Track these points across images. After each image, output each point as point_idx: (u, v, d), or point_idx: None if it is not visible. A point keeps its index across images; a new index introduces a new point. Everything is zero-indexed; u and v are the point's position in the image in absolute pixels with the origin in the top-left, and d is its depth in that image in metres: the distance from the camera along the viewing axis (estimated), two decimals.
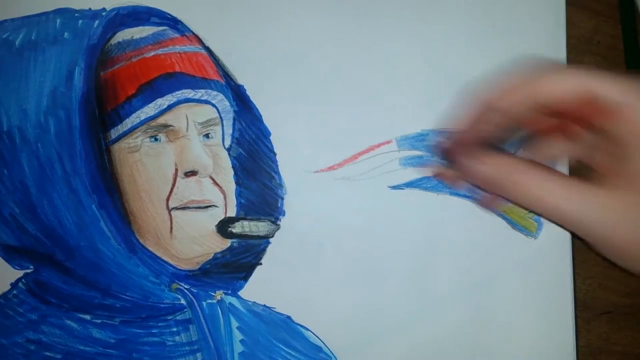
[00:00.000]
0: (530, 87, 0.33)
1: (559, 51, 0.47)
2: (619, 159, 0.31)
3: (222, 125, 0.45)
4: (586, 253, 0.48)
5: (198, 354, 0.44)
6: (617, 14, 0.49)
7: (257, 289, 0.45)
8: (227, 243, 0.45)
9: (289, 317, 0.45)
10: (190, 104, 0.44)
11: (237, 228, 0.45)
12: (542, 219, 0.46)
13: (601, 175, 0.33)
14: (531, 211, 0.40)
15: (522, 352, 0.46)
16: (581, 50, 0.48)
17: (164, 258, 0.44)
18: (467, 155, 0.35)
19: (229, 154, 0.45)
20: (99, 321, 0.44)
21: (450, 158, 0.36)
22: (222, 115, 0.45)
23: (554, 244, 0.46)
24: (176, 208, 0.44)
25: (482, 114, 0.35)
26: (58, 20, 0.44)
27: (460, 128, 0.36)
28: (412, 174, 0.46)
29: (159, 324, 0.44)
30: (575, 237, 0.46)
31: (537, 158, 0.38)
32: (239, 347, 0.45)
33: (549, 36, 0.47)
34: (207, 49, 0.45)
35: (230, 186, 0.45)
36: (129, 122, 0.43)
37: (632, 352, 0.49)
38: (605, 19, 0.49)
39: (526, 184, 0.33)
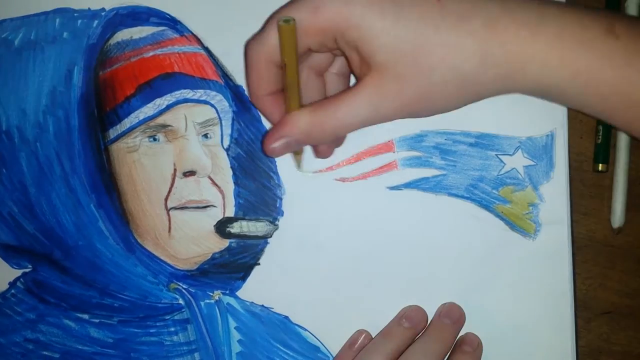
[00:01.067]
0: (257, 66, 0.38)
1: None
2: (361, 57, 0.37)
3: (221, 126, 0.45)
4: (586, 253, 0.48)
5: (196, 354, 0.44)
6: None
7: (255, 289, 0.45)
8: (226, 243, 0.45)
9: (286, 318, 0.45)
10: (189, 104, 0.44)
11: (235, 228, 0.45)
12: (540, 220, 0.45)
13: (358, 79, 0.38)
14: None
15: (522, 353, 0.46)
16: None
17: (162, 258, 0.44)
18: (266, 139, 0.39)
19: (227, 154, 0.45)
20: (97, 320, 0.44)
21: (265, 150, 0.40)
22: (220, 115, 0.45)
23: (553, 244, 0.46)
24: (175, 208, 0.44)
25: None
26: (57, 20, 0.44)
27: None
28: (411, 174, 0.46)
29: (157, 324, 0.44)
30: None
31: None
32: (236, 347, 0.45)
33: None
34: (206, 49, 0.45)
35: (229, 186, 0.45)
36: (127, 122, 0.43)
37: (632, 352, 0.49)
38: None
39: (317, 130, 0.38)
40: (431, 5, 0.35)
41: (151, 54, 0.44)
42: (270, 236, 0.45)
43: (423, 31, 0.35)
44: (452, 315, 0.44)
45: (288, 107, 0.39)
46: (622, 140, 0.47)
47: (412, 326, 0.44)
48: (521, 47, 0.35)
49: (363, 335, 0.44)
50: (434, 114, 0.39)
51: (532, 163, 0.46)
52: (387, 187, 0.45)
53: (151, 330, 0.44)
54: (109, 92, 0.43)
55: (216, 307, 0.45)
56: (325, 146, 0.43)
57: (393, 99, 0.36)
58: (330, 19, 0.36)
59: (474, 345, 0.44)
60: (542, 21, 0.35)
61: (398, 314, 0.45)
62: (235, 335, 0.45)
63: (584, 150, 0.48)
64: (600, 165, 0.47)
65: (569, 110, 0.46)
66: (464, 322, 0.44)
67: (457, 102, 0.38)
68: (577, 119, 0.48)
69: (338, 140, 0.44)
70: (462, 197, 0.45)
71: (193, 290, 0.45)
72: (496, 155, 0.46)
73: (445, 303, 0.45)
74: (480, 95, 0.38)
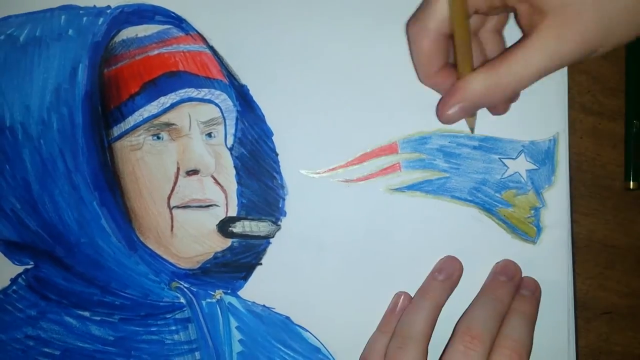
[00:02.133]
0: (427, 41, 0.39)
1: (562, 71, 0.47)
2: (533, 6, 0.37)
3: (225, 125, 0.45)
4: (586, 254, 0.48)
5: (196, 353, 0.44)
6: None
7: (257, 289, 0.45)
8: (228, 242, 0.45)
9: (288, 318, 0.45)
10: (193, 103, 0.44)
11: (237, 228, 0.45)
12: (541, 224, 0.46)
13: (528, 31, 0.38)
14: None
15: None
16: None
17: (164, 256, 0.44)
18: (441, 106, 0.41)
19: (231, 154, 0.45)
20: (98, 318, 0.44)
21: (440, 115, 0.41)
22: (224, 114, 0.45)
23: (553, 248, 0.46)
24: (177, 207, 0.44)
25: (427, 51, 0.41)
26: (63, 17, 0.44)
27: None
28: (414, 177, 0.46)
29: (158, 322, 0.44)
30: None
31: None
32: (237, 347, 0.45)
33: None
34: (211, 48, 0.45)
35: (232, 186, 0.45)
36: (131, 120, 0.43)
37: (632, 352, 0.49)
38: None
39: (499, 89, 0.39)
40: None
41: (156, 52, 0.44)
42: (273, 236, 0.45)
43: None
44: (508, 272, 0.44)
45: (461, 73, 0.40)
46: None
47: (447, 277, 0.44)
48: None
49: (402, 297, 0.44)
50: (610, 48, 0.38)
51: (535, 167, 0.46)
52: (390, 189, 0.45)
53: (152, 329, 0.44)
54: (113, 90, 0.43)
55: (217, 307, 0.45)
56: (501, 104, 0.43)
57: (574, 38, 0.36)
58: None
59: (532, 288, 0.44)
60: None
61: (433, 268, 0.45)
62: (236, 335, 0.45)
63: (583, 151, 0.48)
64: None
65: (570, 111, 0.46)
66: (521, 276, 0.44)
67: (628, 33, 0.38)
68: (578, 119, 0.48)
69: (515, 97, 0.43)
70: (464, 199, 0.45)
71: (194, 289, 0.45)
72: (499, 158, 0.46)
73: (500, 261, 0.45)
74: None
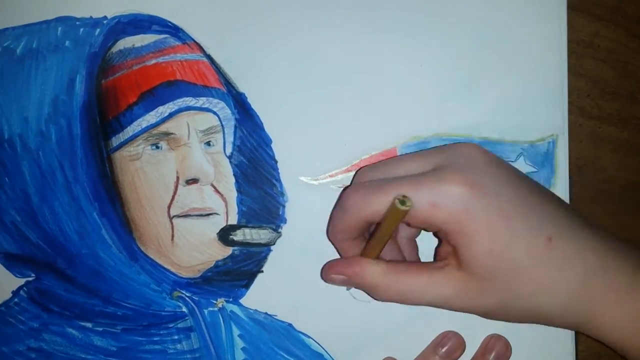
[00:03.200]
0: (356, 215, 0.39)
1: (560, 55, 0.47)
2: (455, 253, 0.38)
3: (224, 133, 0.45)
4: None
5: None
6: (617, 18, 0.49)
7: (259, 296, 0.45)
8: (229, 251, 0.45)
9: (290, 325, 0.45)
10: (192, 111, 0.44)
11: (238, 236, 0.45)
12: None
13: (443, 258, 0.39)
14: None
15: (522, 356, 0.46)
16: (581, 54, 0.48)
17: (166, 266, 0.44)
18: (326, 266, 0.42)
19: (230, 162, 0.45)
20: (101, 329, 0.44)
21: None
22: (223, 123, 0.45)
23: None
24: (177, 216, 0.44)
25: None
26: (59, 29, 0.44)
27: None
28: None
29: (161, 332, 0.44)
30: None
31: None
32: (240, 355, 0.45)
33: (549, 41, 0.47)
34: (209, 56, 0.45)
35: (232, 194, 0.45)
36: (130, 130, 0.43)
37: None
38: (606, 23, 0.49)
39: (374, 287, 0.40)
40: (541, 240, 0.37)
41: (153, 62, 0.44)
42: (274, 244, 0.45)
43: (525, 264, 0.37)
44: (498, 351, 0.45)
45: (365, 254, 0.41)
46: None
47: (448, 355, 0.44)
48: (605, 310, 0.37)
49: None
50: (497, 320, 0.40)
51: (534, 170, 0.46)
52: None
53: (155, 339, 0.44)
54: (111, 101, 0.43)
55: (220, 315, 0.45)
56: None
57: (468, 301, 0.38)
58: (445, 220, 0.37)
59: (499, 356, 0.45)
60: (631, 287, 0.37)
61: (434, 340, 0.45)
62: (239, 343, 0.45)
63: (583, 155, 0.48)
64: None
65: (569, 115, 0.46)
66: (510, 356, 0.45)
67: (525, 321, 0.40)
68: (577, 122, 0.48)
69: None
70: None
71: (196, 298, 0.45)
72: None
73: (492, 335, 0.45)
74: (549, 324, 0.40)
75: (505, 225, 0.36)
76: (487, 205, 0.36)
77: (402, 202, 0.36)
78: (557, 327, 0.40)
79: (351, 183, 0.44)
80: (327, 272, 0.41)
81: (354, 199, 0.39)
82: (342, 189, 0.45)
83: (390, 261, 0.41)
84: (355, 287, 0.42)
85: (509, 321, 0.40)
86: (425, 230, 0.41)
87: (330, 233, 0.42)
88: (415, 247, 0.44)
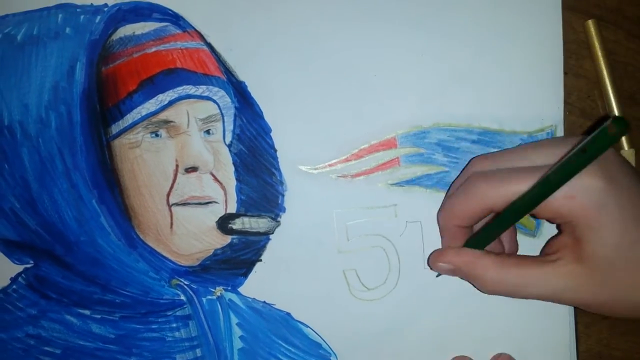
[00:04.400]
0: (482, 203, 0.39)
1: (556, 56, 0.47)
2: (568, 238, 0.38)
3: (223, 122, 0.45)
4: None
5: (197, 350, 0.44)
6: (617, 18, 0.49)
7: (257, 285, 0.45)
8: (227, 239, 0.45)
9: (288, 314, 0.45)
10: (191, 100, 0.44)
11: (237, 224, 0.45)
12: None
13: (552, 249, 0.40)
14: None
15: (522, 357, 0.46)
16: (581, 55, 0.48)
17: (164, 254, 0.44)
18: (436, 254, 0.43)
19: (229, 151, 0.45)
20: (99, 316, 0.44)
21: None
22: (223, 111, 0.45)
23: None
24: (176, 204, 0.44)
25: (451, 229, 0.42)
26: (60, 16, 0.44)
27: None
28: (413, 171, 0.46)
29: (159, 320, 0.44)
30: None
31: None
32: (238, 343, 0.45)
33: (546, 41, 0.47)
34: (209, 45, 0.45)
35: (231, 182, 0.45)
36: (129, 118, 0.43)
37: (633, 357, 0.49)
38: (606, 24, 0.49)
39: (483, 279, 0.40)
40: None
41: (153, 49, 0.44)
42: (272, 232, 0.45)
43: None
44: None
45: (472, 244, 0.41)
46: None
47: None
48: None
49: None
50: (609, 315, 0.41)
51: None
52: (389, 184, 0.45)
53: (153, 326, 0.44)
54: (111, 88, 0.43)
55: (218, 304, 0.45)
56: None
57: (582, 295, 0.38)
58: (577, 212, 0.37)
59: None
60: None
61: None
62: (237, 332, 0.45)
63: None
64: None
65: (569, 116, 0.47)
66: None
67: (631, 316, 0.40)
68: (577, 123, 0.48)
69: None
70: None
71: (195, 287, 0.45)
72: None
73: (500, 354, 0.45)
74: None
75: (634, 222, 0.36)
76: (620, 199, 0.36)
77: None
78: None
79: (463, 171, 0.44)
80: (436, 260, 0.42)
81: (484, 186, 0.39)
82: (341, 178, 0.45)
83: (500, 254, 0.41)
84: (461, 277, 0.42)
85: (613, 315, 0.40)
86: (550, 221, 0.40)
87: (445, 217, 0.42)
88: (515, 241, 0.44)
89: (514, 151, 0.41)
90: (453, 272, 0.42)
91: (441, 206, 0.44)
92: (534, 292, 0.39)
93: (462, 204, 0.40)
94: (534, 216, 0.40)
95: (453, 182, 0.44)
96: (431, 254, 0.43)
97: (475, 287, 0.41)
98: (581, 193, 0.36)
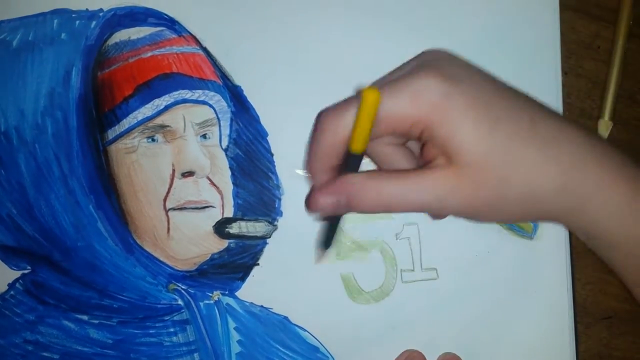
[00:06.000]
0: (333, 139, 0.37)
1: (554, 56, 0.47)
2: (441, 150, 0.36)
3: (220, 126, 0.45)
4: (586, 258, 0.48)
5: (195, 354, 0.44)
6: (617, 19, 0.49)
7: (255, 289, 0.45)
8: (225, 244, 0.45)
9: (286, 318, 0.45)
10: (188, 104, 0.44)
11: (234, 229, 0.45)
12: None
13: (427, 163, 0.37)
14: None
15: (522, 357, 0.46)
16: (581, 56, 0.48)
17: (161, 259, 0.44)
18: (316, 193, 0.38)
19: (226, 155, 0.45)
20: (97, 322, 0.44)
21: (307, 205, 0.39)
22: (219, 115, 0.45)
23: (551, 243, 0.46)
24: (173, 209, 0.44)
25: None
26: (55, 21, 0.44)
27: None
28: None
29: (157, 325, 0.44)
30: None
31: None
32: (236, 348, 0.45)
33: (544, 41, 0.47)
34: (205, 49, 0.45)
35: (228, 187, 0.45)
36: (126, 123, 0.43)
37: (632, 357, 0.49)
38: (606, 24, 0.49)
39: (360, 196, 0.37)
40: (524, 123, 0.36)
41: (149, 54, 0.44)
42: (269, 236, 0.45)
43: (512, 147, 0.35)
44: None
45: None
46: None
47: None
48: (598, 191, 0.36)
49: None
50: (490, 222, 0.39)
51: None
52: None
53: (150, 331, 0.44)
54: (107, 93, 0.43)
55: (215, 308, 0.45)
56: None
57: (462, 197, 0.36)
58: (426, 111, 0.35)
59: None
60: (625, 167, 0.36)
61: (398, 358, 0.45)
62: (235, 336, 0.45)
63: None
64: None
65: (570, 116, 0.46)
66: None
67: (518, 218, 0.39)
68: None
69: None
70: None
71: (192, 291, 0.45)
72: None
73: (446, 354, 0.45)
74: (540, 217, 0.38)
75: (486, 109, 0.35)
76: (465, 93, 0.35)
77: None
78: (548, 220, 0.38)
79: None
80: (316, 198, 0.37)
81: (330, 117, 0.37)
82: None
83: (375, 170, 0.39)
84: (345, 208, 0.38)
85: (502, 221, 0.38)
86: (408, 137, 0.38)
87: (310, 164, 0.39)
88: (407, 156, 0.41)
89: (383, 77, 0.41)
90: (335, 205, 0.37)
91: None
92: (415, 201, 0.36)
93: (317, 142, 0.38)
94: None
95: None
96: (308, 198, 0.39)
97: (356, 211, 0.38)
98: (422, 92, 0.35)
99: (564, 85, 0.47)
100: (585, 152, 0.36)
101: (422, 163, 0.38)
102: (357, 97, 0.35)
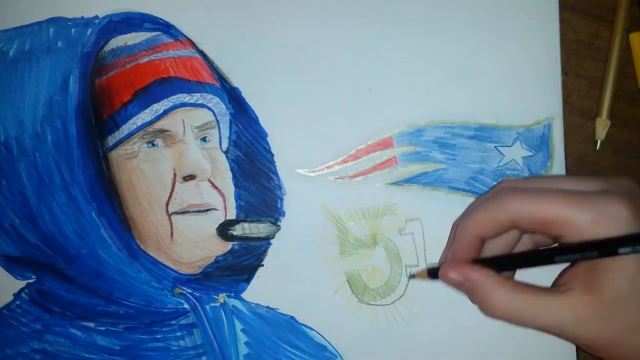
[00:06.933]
0: (508, 214, 0.38)
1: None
2: (582, 267, 0.37)
3: (219, 128, 0.45)
4: None
5: (203, 358, 0.44)
6: (617, 19, 0.49)
7: (260, 290, 0.45)
8: (228, 246, 0.45)
9: (292, 318, 0.45)
10: (186, 108, 0.44)
11: (237, 230, 0.45)
12: None
13: (561, 284, 0.38)
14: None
15: (523, 356, 0.46)
16: (581, 56, 0.48)
17: (166, 263, 0.44)
18: (449, 265, 0.40)
19: (226, 157, 0.45)
20: (103, 328, 0.44)
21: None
22: (218, 118, 0.45)
23: None
24: (176, 213, 0.44)
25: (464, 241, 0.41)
26: (51, 30, 0.44)
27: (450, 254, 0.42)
28: (411, 170, 0.46)
29: (163, 329, 0.44)
30: None
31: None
32: (243, 349, 0.45)
33: (544, 41, 0.47)
34: (201, 52, 0.45)
35: (229, 189, 0.45)
36: (125, 129, 0.43)
37: None
38: (606, 24, 0.48)
39: (491, 300, 0.38)
40: None
41: (146, 59, 0.44)
42: (273, 237, 0.45)
43: None
44: None
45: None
46: None
47: None
48: None
49: None
50: (602, 358, 0.39)
51: (531, 154, 0.46)
52: (388, 183, 0.45)
53: (157, 336, 0.44)
54: (105, 100, 0.43)
55: (222, 310, 0.45)
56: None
57: (587, 330, 0.37)
58: (598, 236, 0.36)
59: None
60: None
61: None
62: (242, 338, 0.45)
63: (583, 156, 0.48)
64: None
65: (570, 116, 0.46)
66: None
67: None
68: (577, 124, 0.48)
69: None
70: (462, 190, 0.45)
71: (198, 294, 0.45)
72: (495, 147, 0.46)
73: None
74: None
75: None
76: None
77: None
78: None
79: (492, 188, 0.43)
80: (447, 271, 0.40)
81: (513, 198, 0.38)
82: (339, 179, 0.45)
83: (511, 279, 0.40)
84: (467, 294, 0.40)
85: (612, 358, 0.38)
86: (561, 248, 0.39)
87: (468, 224, 0.40)
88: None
89: (547, 177, 0.42)
90: (461, 285, 0.40)
91: (463, 214, 0.43)
92: (539, 322, 0.37)
93: (489, 212, 0.39)
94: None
95: (478, 197, 0.44)
96: (443, 264, 0.41)
97: (479, 307, 0.39)
98: (607, 220, 0.36)
99: (564, 85, 0.47)
100: None
101: (559, 279, 0.39)
102: (551, 196, 0.37)
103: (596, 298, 0.36)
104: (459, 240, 0.41)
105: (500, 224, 0.39)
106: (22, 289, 0.44)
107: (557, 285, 0.39)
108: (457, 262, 0.40)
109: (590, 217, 0.36)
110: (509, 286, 0.38)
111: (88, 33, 0.44)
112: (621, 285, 0.36)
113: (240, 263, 0.45)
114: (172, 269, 0.44)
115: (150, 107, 0.43)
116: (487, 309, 0.39)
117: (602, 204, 0.36)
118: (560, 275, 0.40)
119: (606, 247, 0.35)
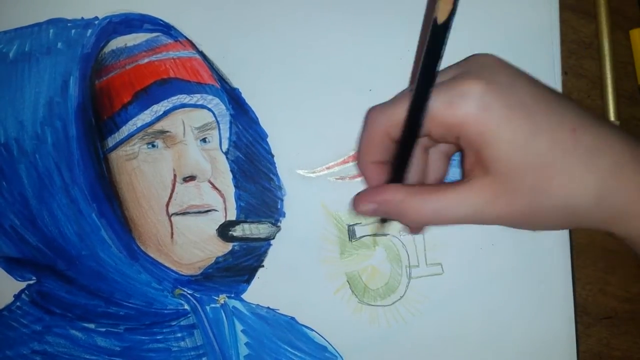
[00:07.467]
0: (376, 129, 0.39)
1: (554, 56, 0.47)
2: (479, 159, 0.36)
3: (219, 129, 0.45)
4: (586, 258, 0.48)
5: (204, 359, 0.44)
6: (617, 19, 0.49)
7: (260, 291, 0.45)
8: (229, 247, 0.45)
9: (293, 318, 0.45)
10: (186, 109, 0.44)
11: (237, 231, 0.45)
12: None
13: (467, 175, 0.38)
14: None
15: (523, 356, 0.46)
16: (581, 55, 0.48)
17: (166, 264, 0.44)
18: (357, 196, 0.40)
19: (226, 158, 0.45)
20: (104, 329, 0.44)
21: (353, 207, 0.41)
22: (218, 119, 0.45)
23: (552, 240, 0.46)
24: (176, 214, 0.44)
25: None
26: (51, 31, 0.44)
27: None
28: None
29: (164, 330, 0.44)
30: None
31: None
32: (244, 350, 0.45)
33: (544, 41, 0.47)
34: (201, 53, 0.45)
35: (230, 190, 0.45)
36: (125, 130, 0.43)
37: (633, 357, 0.49)
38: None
39: (403, 211, 0.38)
40: (565, 132, 0.35)
41: (146, 60, 0.44)
42: (273, 238, 0.45)
43: (551, 156, 0.35)
44: None
45: (391, 179, 0.40)
46: None
47: None
48: (638, 200, 0.35)
49: None
50: (528, 229, 0.39)
51: None
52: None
53: (158, 337, 0.44)
54: (105, 101, 0.43)
55: (222, 311, 0.45)
56: (413, 227, 0.43)
57: (499, 207, 0.36)
58: (463, 119, 0.35)
59: None
60: None
61: None
62: (242, 339, 0.45)
63: None
64: None
65: None
66: None
67: (555, 226, 0.39)
68: None
69: (421, 229, 0.43)
70: None
71: (198, 295, 0.45)
72: None
73: None
74: (579, 225, 0.38)
75: (526, 118, 0.35)
76: (504, 100, 0.35)
77: None
78: (587, 226, 0.37)
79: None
80: (358, 203, 0.40)
81: (374, 114, 0.39)
82: (339, 180, 0.45)
83: (417, 184, 0.40)
84: (385, 215, 0.40)
85: (539, 228, 0.38)
86: (447, 142, 0.39)
87: (358, 159, 0.41)
88: (446, 167, 0.43)
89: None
90: (376, 211, 0.39)
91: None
92: (455, 216, 0.37)
93: (363, 138, 0.40)
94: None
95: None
96: (353, 198, 0.41)
97: (401, 224, 0.40)
98: (458, 99, 0.35)
99: (564, 85, 0.47)
100: (626, 161, 0.35)
101: (463, 175, 0.39)
102: (404, 93, 0.37)
103: (493, 176, 0.36)
104: (363, 173, 0.41)
105: (375, 141, 0.39)
106: (22, 290, 0.44)
107: (464, 173, 0.39)
108: (363, 192, 0.40)
109: (442, 102, 0.36)
110: (418, 193, 0.38)
111: (88, 34, 0.44)
112: (506, 157, 0.35)
113: (241, 264, 0.45)
114: (172, 270, 0.44)
115: (150, 108, 0.43)
116: (408, 222, 0.39)
117: (455, 85, 0.36)
118: (463, 158, 0.39)
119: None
